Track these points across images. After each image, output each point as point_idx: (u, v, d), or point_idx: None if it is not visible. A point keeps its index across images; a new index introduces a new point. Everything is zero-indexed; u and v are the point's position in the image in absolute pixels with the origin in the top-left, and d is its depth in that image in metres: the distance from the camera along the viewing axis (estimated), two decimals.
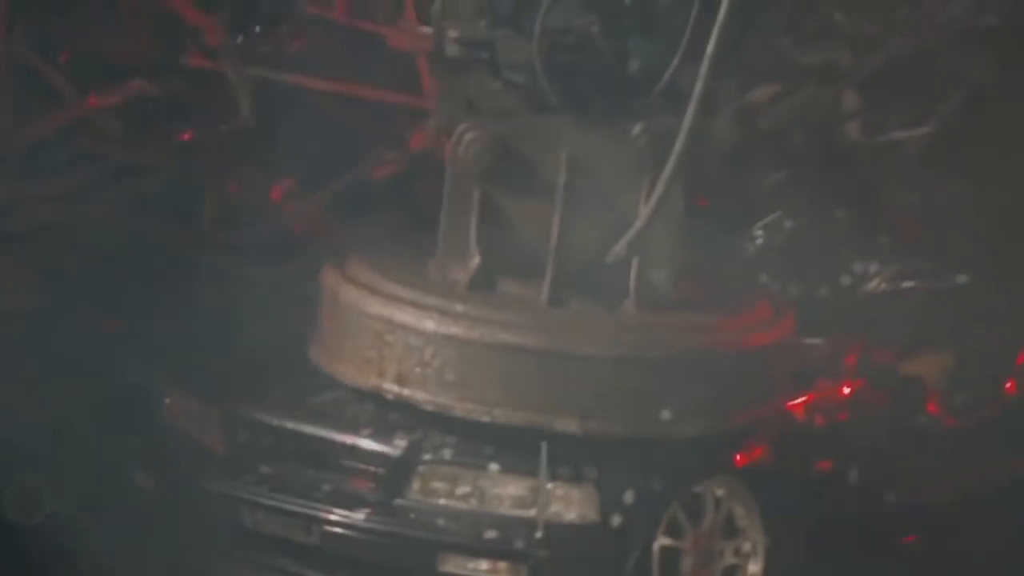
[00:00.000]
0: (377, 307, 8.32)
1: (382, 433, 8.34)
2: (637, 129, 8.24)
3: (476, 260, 8.56)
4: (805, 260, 9.85)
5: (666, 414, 8.07)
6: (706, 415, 8.20)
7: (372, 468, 8.30)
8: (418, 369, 8.21)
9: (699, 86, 7.81)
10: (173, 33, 10.93)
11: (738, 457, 8.46)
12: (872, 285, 9.84)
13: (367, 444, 8.33)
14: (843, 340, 9.32)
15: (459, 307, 8.23)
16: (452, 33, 8.37)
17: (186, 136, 10.66)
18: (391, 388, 8.20)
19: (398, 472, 8.28)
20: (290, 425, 8.55)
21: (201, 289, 9.98)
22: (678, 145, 7.94)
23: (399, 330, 8.24)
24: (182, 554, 8.86)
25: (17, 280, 10.52)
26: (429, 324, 8.17)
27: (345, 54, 10.84)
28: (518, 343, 8.13)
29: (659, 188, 8.06)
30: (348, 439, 8.40)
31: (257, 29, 11.24)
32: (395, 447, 8.26)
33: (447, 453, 8.21)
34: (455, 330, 8.16)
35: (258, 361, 9.13)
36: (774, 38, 11.19)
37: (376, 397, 8.64)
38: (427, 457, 8.24)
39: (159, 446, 8.99)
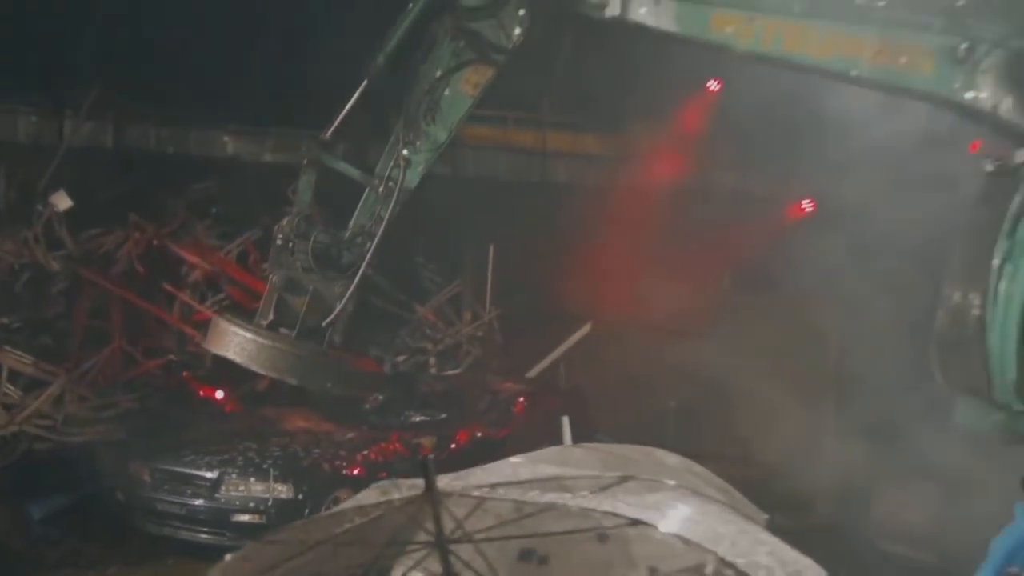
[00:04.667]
0: (234, 328, 9.38)
1: (208, 469, 9.59)
2: (339, 285, 9.53)
3: (271, 318, 9.51)
4: None
5: (330, 384, 9.55)
6: (347, 387, 9.62)
7: (205, 483, 9.58)
8: (246, 352, 9.27)
9: (355, 280, 9.39)
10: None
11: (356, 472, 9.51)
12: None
13: (202, 473, 9.61)
14: None
15: (263, 333, 9.37)
16: (280, 235, 9.51)
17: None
18: (234, 357, 9.27)
19: (215, 484, 9.55)
20: (175, 468, 9.77)
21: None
22: (351, 290, 9.46)
23: (240, 337, 9.31)
24: (136, 527, 9.81)
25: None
26: (249, 335, 9.31)
27: None
28: (283, 349, 9.27)
29: (341, 305, 9.46)
30: (195, 472, 9.67)
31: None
32: (214, 473, 9.56)
33: (234, 475, 9.51)
34: (262, 340, 9.28)
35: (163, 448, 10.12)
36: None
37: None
38: (226, 477, 9.54)
39: (127, 481, 9.98)
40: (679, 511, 3.86)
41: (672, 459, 5.29)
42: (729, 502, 4.88)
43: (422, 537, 3.60)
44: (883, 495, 10.25)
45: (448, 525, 3.57)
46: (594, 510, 3.61)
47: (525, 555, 4.37)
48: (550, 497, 3.66)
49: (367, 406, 10.97)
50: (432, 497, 3.55)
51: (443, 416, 11.07)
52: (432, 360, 13.66)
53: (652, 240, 12.55)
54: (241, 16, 12.77)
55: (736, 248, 12.67)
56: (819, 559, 9.49)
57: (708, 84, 12.28)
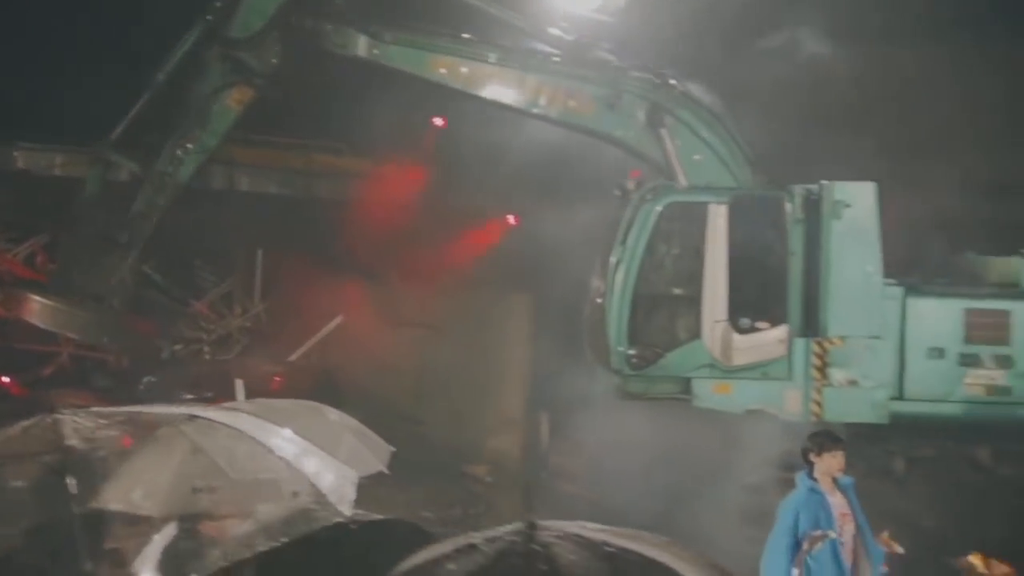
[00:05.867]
0: (28, 293, 9.90)
1: None
2: (118, 258, 9.91)
3: (60, 286, 9.95)
4: None
5: (106, 339, 10.02)
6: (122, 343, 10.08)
7: None
8: (36, 312, 9.68)
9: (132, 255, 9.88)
10: None
11: None
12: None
13: None
14: None
15: (52, 297, 9.77)
16: (72, 217, 9.94)
17: None
18: (27, 317, 9.70)
19: None
20: None
21: None
22: (128, 262, 9.85)
23: (32, 301, 9.75)
24: None
25: None
26: (38, 298, 9.75)
27: None
28: (67, 310, 9.65)
29: (119, 275, 9.91)
30: None
31: None
32: None
33: None
34: (50, 303, 9.71)
35: None
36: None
37: None
38: None
39: None
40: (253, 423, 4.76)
41: (332, 414, 6.08)
42: (360, 439, 5.83)
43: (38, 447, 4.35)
44: (559, 448, 11.53)
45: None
46: (175, 413, 4.55)
47: (196, 489, 5.03)
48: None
49: (141, 387, 11.45)
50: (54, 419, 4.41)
51: (209, 394, 10.86)
52: (206, 348, 14.19)
53: (397, 247, 13.41)
54: (35, 43, 13.32)
55: (460, 254, 13.60)
56: (512, 498, 10.65)
57: (436, 118, 13.33)
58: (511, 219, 13.69)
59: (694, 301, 9.22)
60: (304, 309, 13.75)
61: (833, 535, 5.69)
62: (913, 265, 10.13)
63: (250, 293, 14.74)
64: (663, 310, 9.37)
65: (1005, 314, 9.25)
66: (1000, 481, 9.34)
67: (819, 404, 9.25)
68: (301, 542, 3.59)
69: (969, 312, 9.26)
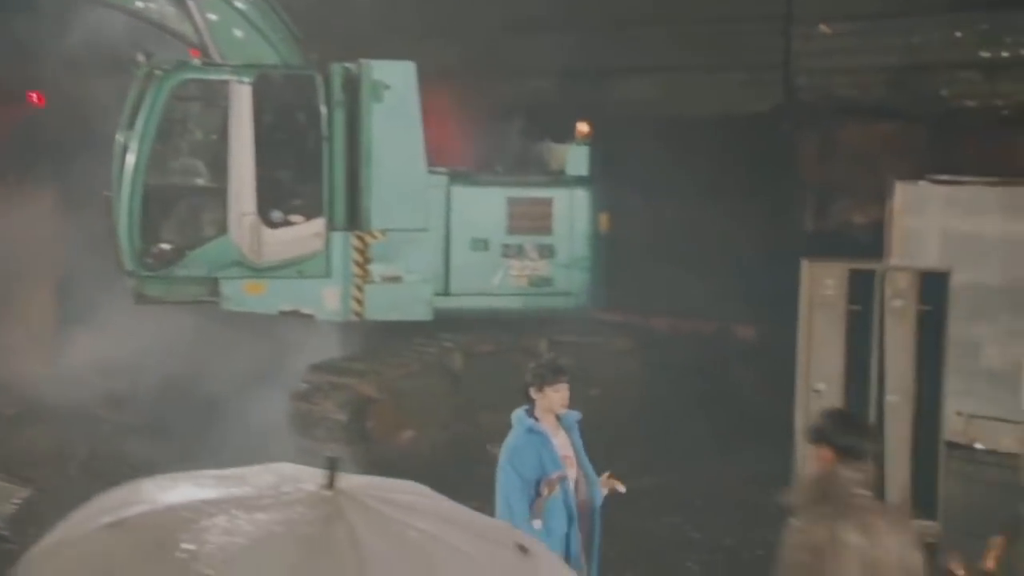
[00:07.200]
0: None
1: None
2: None
3: None
4: None
5: None
6: None
7: None
8: None
9: None
10: None
11: None
12: None
13: None
14: None
15: None
16: None
17: None
18: None
19: None
20: None
21: None
22: None
23: None
24: None
25: None
26: None
27: None
28: None
29: None
30: None
31: None
32: None
33: None
34: None
35: None
36: None
37: None
38: None
39: None
40: None
41: None
42: None
43: None
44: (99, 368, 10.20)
45: None
46: None
47: None
48: None
49: None
50: None
51: None
52: None
53: None
54: None
55: None
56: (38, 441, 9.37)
57: None
58: (33, 97, 11.76)
59: (219, 193, 8.29)
60: None
61: (569, 476, 5.11)
62: (493, 154, 9.84)
63: None
64: (183, 203, 8.42)
65: (547, 202, 9.20)
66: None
67: (360, 302, 8.82)
68: None
69: (512, 201, 9.08)
